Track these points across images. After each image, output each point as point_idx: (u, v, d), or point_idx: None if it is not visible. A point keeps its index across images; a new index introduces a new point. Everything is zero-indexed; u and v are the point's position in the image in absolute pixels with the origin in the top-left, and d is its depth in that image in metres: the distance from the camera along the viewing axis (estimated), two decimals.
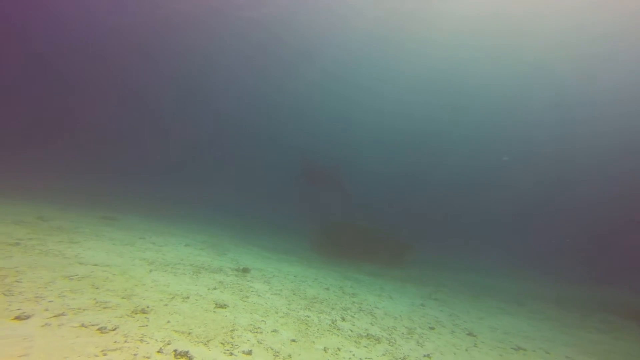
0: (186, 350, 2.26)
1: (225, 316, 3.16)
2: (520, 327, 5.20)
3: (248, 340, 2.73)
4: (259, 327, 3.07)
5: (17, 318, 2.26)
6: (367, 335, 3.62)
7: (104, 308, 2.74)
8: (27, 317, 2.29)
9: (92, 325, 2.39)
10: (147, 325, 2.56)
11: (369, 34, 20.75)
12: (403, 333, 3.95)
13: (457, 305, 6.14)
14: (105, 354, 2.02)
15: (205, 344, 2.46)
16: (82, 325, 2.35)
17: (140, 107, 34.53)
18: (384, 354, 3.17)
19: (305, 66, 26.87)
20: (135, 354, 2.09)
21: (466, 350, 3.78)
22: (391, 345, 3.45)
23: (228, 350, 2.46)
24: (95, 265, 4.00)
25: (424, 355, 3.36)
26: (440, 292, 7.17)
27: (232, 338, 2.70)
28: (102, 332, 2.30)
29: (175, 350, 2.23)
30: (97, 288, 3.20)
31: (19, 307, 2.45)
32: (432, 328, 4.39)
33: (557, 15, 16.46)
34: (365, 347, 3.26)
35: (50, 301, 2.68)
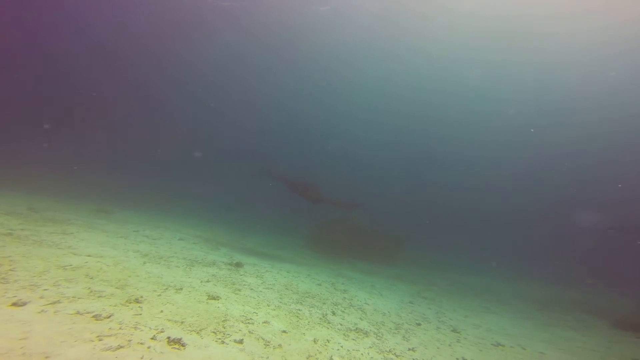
0: (179, 337, 2.34)
1: (218, 307, 3.25)
2: (502, 325, 5.40)
3: (239, 330, 2.82)
4: (250, 319, 3.17)
5: (14, 304, 2.31)
6: (356, 329, 3.74)
7: (99, 297, 2.80)
8: (24, 304, 2.35)
9: (87, 312, 2.45)
10: (140, 314, 2.63)
11: (370, 31, 21.01)
12: (390, 328, 4.09)
13: (445, 303, 6.33)
14: (100, 339, 2.09)
15: (198, 333, 2.55)
16: (78, 313, 2.41)
17: (144, 103, 34.23)
18: (370, 347, 3.29)
19: (305, 64, 26.97)
20: (129, 340, 2.17)
21: (449, 345, 3.94)
22: (378, 339, 3.58)
23: (220, 338, 2.56)
24: (89, 256, 4.03)
25: (409, 349, 3.50)
26: (429, 290, 7.35)
27: (224, 328, 2.79)
28: (97, 320, 2.37)
29: (168, 338, 2.31)
30: (91, 278, 3.25)
31: (15, 294, 2.50)
32: (419, 324, 4.54)
33: (563, 20, 16.86)
34: (354, 339, 3.38)
35: (45, 289, 2.73)
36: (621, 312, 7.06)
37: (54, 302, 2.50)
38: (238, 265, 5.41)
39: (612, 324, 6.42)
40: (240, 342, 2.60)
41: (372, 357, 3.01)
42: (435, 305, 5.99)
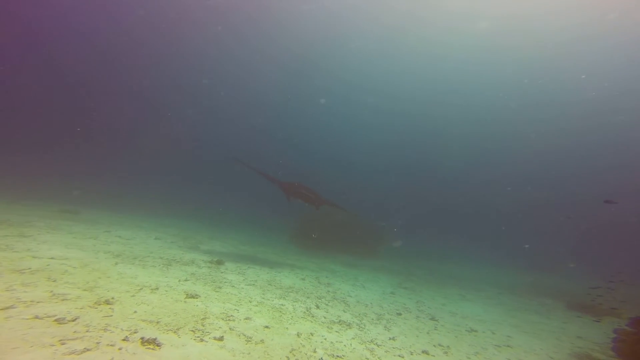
0: (154, 337, 2.22)
1: (197, 305, 3.12)
2: (476, 312, 5.70)
3: (220, 328, 2.73)
4: (231, 315, 3.08)
5: None
6: (339, 321, 3.77)
7: (62, 300, 2.59)
8: None
9: (48, 316, 2.25)
10: (111, 316, 2.47)
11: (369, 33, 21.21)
12: (373, 319, 4.17)
13: (424, 292, 6.57)
14: (63, 343, 1.93)
15: (175, 332, 2.44)
16: (36, 317, 2.21)
17: (139, 105, 32.17)
18: (353, 338, 3.33)
19: (301, 66, 26.74)
20: (97, 342, 2.02)
21: (428, 333, 4.09)
22: (360, 330, 3.64)
23: (199, 337, 2.46)
24: (52, 258, 3.72)
25: (390, 338, 3.59)
26: (410, 281, 7.59)
27: (203, 326, 2.69)
28: (59, 323, 2.18)
29: (142, 338, 2.18)
30: (53, 281, 3.00)
31: None
32: (400, 314, 4.67)
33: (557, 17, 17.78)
34: (337, 332, 3.41)
35: None
36: (573, 295, 7.81)
37: (6, 308, 2.27)
38: (219, 262, 5.24)
39: (566, 306, 7.04)
40: (221, 339, 2.52)
41: (354, 348, 3.05)
42: (415, 294, 6.20)
